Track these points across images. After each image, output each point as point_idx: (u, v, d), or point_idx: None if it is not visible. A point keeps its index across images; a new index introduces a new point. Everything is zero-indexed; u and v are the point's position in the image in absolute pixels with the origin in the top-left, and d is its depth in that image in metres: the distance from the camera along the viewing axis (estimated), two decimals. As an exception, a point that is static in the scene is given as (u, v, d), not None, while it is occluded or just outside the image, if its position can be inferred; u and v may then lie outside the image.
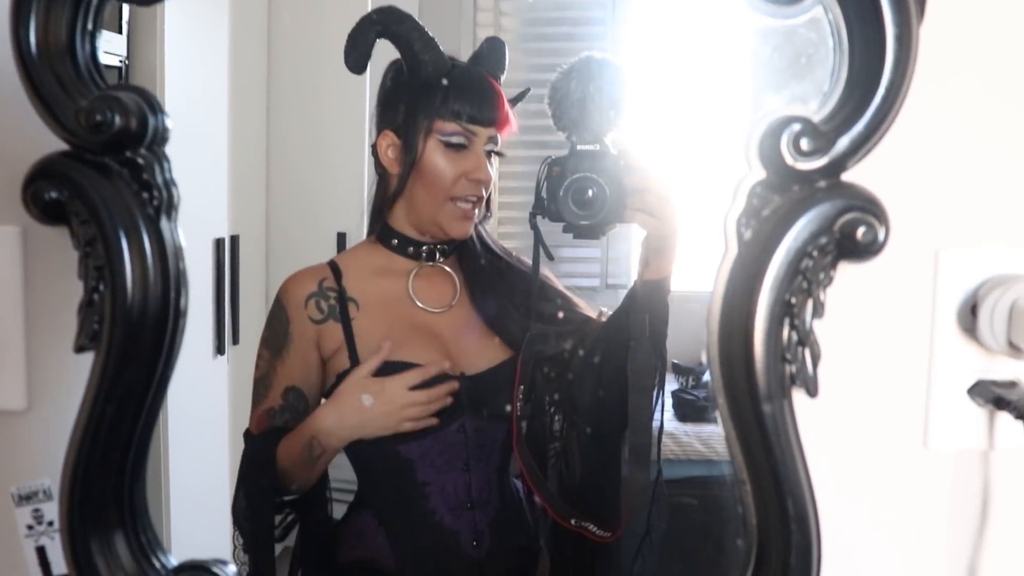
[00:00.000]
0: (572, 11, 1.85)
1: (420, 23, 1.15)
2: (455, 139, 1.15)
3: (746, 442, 0.75)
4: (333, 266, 1.21)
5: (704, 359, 0.77)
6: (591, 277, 1.80)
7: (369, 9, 1.50)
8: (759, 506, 0.76)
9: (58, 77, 0.75)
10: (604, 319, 1.21)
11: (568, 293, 1.25)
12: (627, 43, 1.76)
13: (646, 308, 1.11)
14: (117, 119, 0.74)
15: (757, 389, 0.74)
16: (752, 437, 0.75)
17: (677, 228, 1.08)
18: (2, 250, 0.87)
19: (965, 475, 0.86)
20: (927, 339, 0.84)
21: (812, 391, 0.74)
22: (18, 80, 0.75)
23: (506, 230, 1.46)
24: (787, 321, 0.74)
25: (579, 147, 1.10)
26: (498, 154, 1.19)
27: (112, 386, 0.77)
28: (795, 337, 0.74)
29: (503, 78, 1.21)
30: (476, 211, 1.19)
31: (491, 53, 1.20)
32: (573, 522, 1.16)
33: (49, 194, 0.76)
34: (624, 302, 1.15)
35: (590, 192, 1.08)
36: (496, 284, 1.23)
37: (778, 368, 0.74)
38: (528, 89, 1.17)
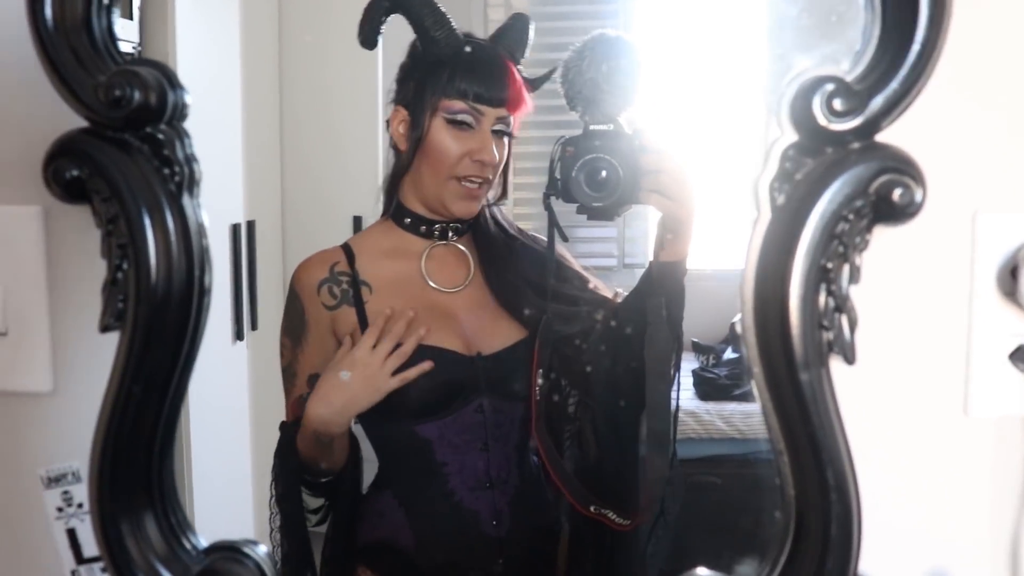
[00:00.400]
0: (584, -12, 1.84)
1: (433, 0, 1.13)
2: (461, 117, 1.14)
3: (783, 411, 0.74)
4: (346, 248, 1.21)
5: (740, 324, 0.76)
6: (608, 257, 1.80)
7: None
8: (797, 477, 0.75)
9: (75, 52, 0.74)
10: (620, 299, 1.20)
11: (584, 273, 1.25)
12: (641, 19, 1.75)
13: (662, 290, 1.10)
14: (136, 94, 0.73)
15: (794, 357, 0.73)
16: (789, 406, 0.74)
17: (693, 209, 1.07)
18: (24, 230, 0.87)
19: (1007, 442, 0.85)
20: (966, 303, 0.83)
21: (850, 358, 0.73)
22: (34, 57, 0.75)
23: (521, 211, 1.45)
24: (823, 287, 0.72)
25: (592, 127, 1.09)
26: (509, 135, 1.18)
27: (138, 365, 0.76)
28: (832, 303, 0.73)
29: (526, 55, 1.19)
30: (482, 191, 1.18)
31: (513, 31, 1.18)
32: (592, 509, 1.16)
33: (70, 172, 0.75)
34: (640, 284, 1.14)
35: (603, 173, 1.07)
36: (511, 263, 1.23)
37: (815, 335, 0.73)
38: (554, 69, 1.14)
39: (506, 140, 1.18)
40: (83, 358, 0.89)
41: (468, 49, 1.15)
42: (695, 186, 1.06)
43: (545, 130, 1.33)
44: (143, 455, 0.78)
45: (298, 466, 1.18)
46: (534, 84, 1.19)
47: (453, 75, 1.13)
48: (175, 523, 0.80)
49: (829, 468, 0.74)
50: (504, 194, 1.24)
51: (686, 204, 1.06)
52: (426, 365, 1.14)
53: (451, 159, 1.15)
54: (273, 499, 1.20)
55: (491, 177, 1.18)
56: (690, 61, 1.53)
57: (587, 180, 1.07)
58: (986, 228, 0.82)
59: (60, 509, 0.89)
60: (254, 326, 1.45)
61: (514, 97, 1.16)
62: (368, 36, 1.13)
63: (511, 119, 1.17)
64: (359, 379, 1.12)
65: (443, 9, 1.14)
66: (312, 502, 1.21)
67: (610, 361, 1.18)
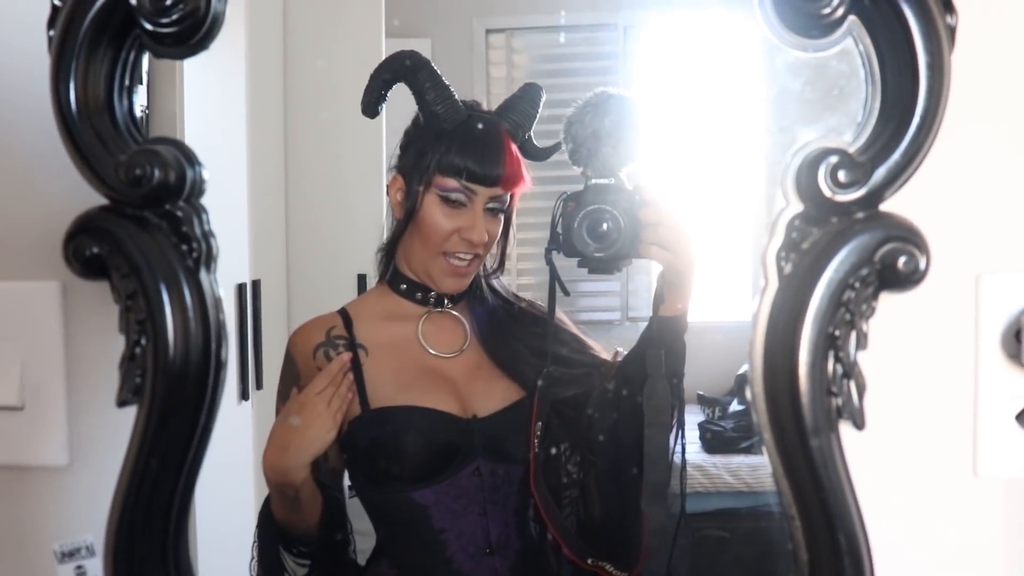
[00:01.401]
0: (584, 47, 1.87)
1: (436, 71, 1.15)
2: (453, 195, 1.14)
3: (794, 477, 0.75)
4: (343, 314, 1.21)
5: (745, 392, 0.77)
6: (611, 311, 1.80)
7: (383, 53, 1.52)
8: (810, 542, 0.75)
9: (98, 133, 0.75)
10: (619, 359, 1.20)
11: (582, 336, 1.24)
12: (640, 77, 1.78)
13: (663, 344, 1.10)
14: (156, 173, 0.74)
15: (804, 423, 0.73)
16: (800, 472, 0.74)
17: (693, 263, 1.07)
18: (43, 305, 0.88)
19: (1018, 502, 0.85)
20: (971, 366, 0.84)
21: (859, 423, 0.74)
22: (55, 136, 0.76)
23: (524, 266, 1.46)
24: (831, 354, 0.73)
25: (594, 181, 1.10)
26: (500, 210, 1.18)
27: (155, 439, 0.77)
28: (840, 370, 0.73)
29: (533, 127, 1.20)
30: (472, 267, 1.18)
31: (522, 102, 1.19)
32: (590, 561, 1.15)
33: (90, 249, 0.76)
34: (640, 339, 1.14)
35: (605, 225, 1.08)
36: (508, 328, 1.23)
37: (824, 401, 0.73)
38: (559, 144, 1.15)
39: (501, 217, 1.19)
40: (99, 432, 0.90)
41: (467, 124, 1.15)
42: (695, 239, 1.07)
43: (546, 185, 1.34)
44: (159, 528, 0.78)
45: (276, 534, 1.17)
46: (543, 154, 1.20)
47: (449, 151, 1.14)
48: (190, 596, 0.80)
49: (841, 532, 0.74)
50: (501, 267, 1.25)
51: (686, 257, 1.07)
52: (345, 356, 1.15)
53: (440, 235, 1.16)
54: (254, 561, 1.19)
55: (481, 253, 1.18)
56: (689, 116, 1.55)
57: (589, 231, 1.08)
58: (989, 290, 0.83)
59: (74, 584, 0.89)
60: (259, 386, 1.45)
61: (509, 176, 1.16)
62: (368, 106, 1.14)
63: (507, 197, 1.18)
64: (310, 423, 1.11)
65: (447, 82, 1.15)
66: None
67: (612, 420, 1.17)
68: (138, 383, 0.77)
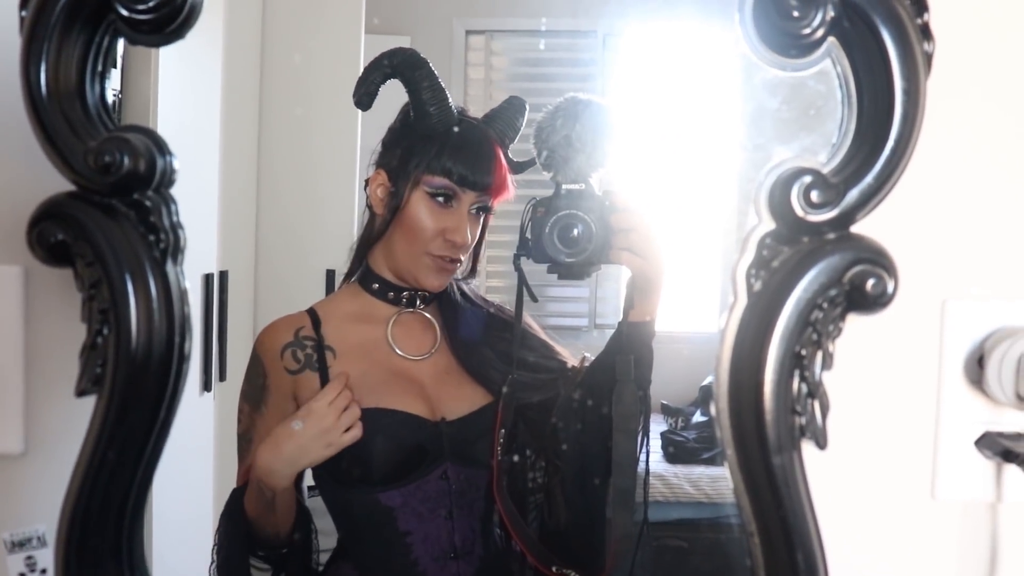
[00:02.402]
0: (563, 52, 1.87)
1: (433, 71, 1.14)
2: (441, 192, 1.14)
3: (755, 494, 0.75)
4: (312, 313, 1.20)
5: (710, 406, 0.77)
6: (579, 317, 1.80)
7: (362, 50, 1.52)
8: (768, 559, 0.75)
9: (67, 118, 0.74)
10: (587, 364, 1.19)
11: (550, 341, 1.24)
12: (617, 84, 1.78)
13: (631, 350, 1.10)
14: (126, 161, 0.73)
15: (767, 441, 0.74)
16: (761, 489, 0.75)
17: (663, 269, 1.07)
18: (3, 290, 0.86)
19: (973, 527, 0.86)
20: (934, 390, 0.85)
21: (822, 443, 0.74)
22: (24, 120, 0.75)
23: (494, 268, 1.45)
24: (797, 373, 0.74)
25: (564, 186, 1.09)
26: (486, 211, 1.18)
27: (114, 431, 0.76)
28: (805, 389, 0.74)
29: (515, 139, 1.20)
30: (454, 266, 1.18)
31: (506, 112, 1.19)
32: (554, 569, 1.14)
33: (55, 236, 0.75)
34: (608, 344, 1.14)
35: (576, 230, 1.07)
36: (477, 331, 1.22)
37: (788, 420, 0.74)
38: (533, 160, 1.14)
39: (482, 219, 1.18)
40: (56, 421, 0.88)
41: (459, 129, 1.15)
42: (665, 245, 1.07)
43: (518, 189, 1.34)
44: (113, 521, 0.77)
45: (244, 531, 1.15)
46: (519, 167, 1.19)
47: (441, 152, 1.14)
48: (142, 593, 0.78)
49: (800, 551, 0.74)
50: (473, 271, 1.24)
51: (655, 263, 1.07)
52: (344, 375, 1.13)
53: (426, 234, 1.15)
54: (214, 565, 1.17)
55: (462, 256, 1.18)
56: (664, 125, 1.55)
57: (560, 236, 1.07)
58: (954, 316, 0.84)
59: (22, 574, 0.87)
60: (222, 377, 1.43)
61: (498, 184, 1.16)
62: (363, 99, 1.12)
63: (489, 202, 1.18)
64: (312, 431, 1.10)
65: (442, 83, 1.14)
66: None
67: (579, 425, 1.16)
68: (98, 373, 0.75)
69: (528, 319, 1.22)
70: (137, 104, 1.30)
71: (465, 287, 1.25)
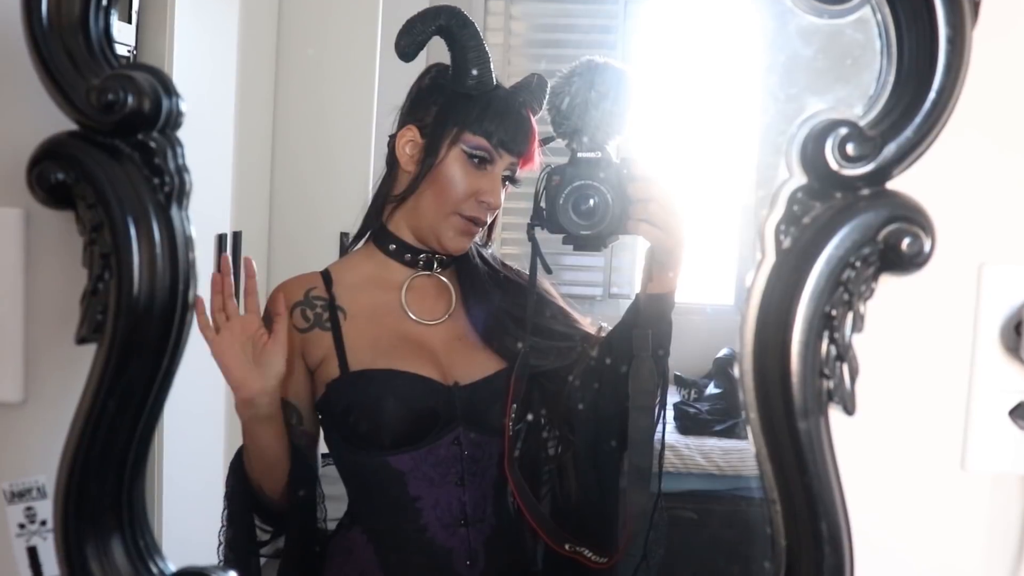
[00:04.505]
0: (583, 17, 1.85)
1: (480, 34, 1.12)
2: (479, 153, 1.13)
3: (779, 460, 0.72)
4: (325, 274, 1.19)
5: (737, 367, 0.74)
6: (594, 286, 1.79)
7: (380, 12, 1.49)
8: (790, 527, 0.73)
9: (70, 53, 0.71)
10: (603, 334, 1.18)
11: (568, 308, 1.22)
12: (638, 49, 1.75)
13: (649, 323, 1.08)
14: (130, 99, 0.71)
15: (793, 404, 0.71)
16: (785, 454, 0.72)
17: (682, 240, 1.05)
18: (3, 233, 0.84)
19: (1004, 500, 0.84)
20: (968, 357, 0.82)
21: (850, 408, 0.71)
22: (26, 55, 0.72)
23: (508, 235, 1.44)
24: (826, 334, 0.71)
25: (580, 154, 1.06)
26: (512, 181, 1.17)
27: (114, 380, 0.74)
28: (834, 351, 0.71)
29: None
30: (478, 229, 1.17)
31: (532, 87, 1.17)
32: (567, 547, 1.12)
33: (55, 176, 0.72)
34: (626, 316, 1.12)
35: (591, 201, 1.04)
36: (493, 297, 1.20)
37: (815, 383, 0.71)
38: (552, 138, 1.14)
39: (508, 186, 1.17)
40: (57, 369, 0.86)
41: (498, 93, 1.14)
42: (685, 216, 1.04)
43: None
44: (114, 473, 0.75)
45: (244, 487, 1.15)
46: (542, 142, 1.18)
47: (483, 114, 1.12)
48: (143, 546, 0.76)
49: (823, 519, 0.72)
50: (489, 239, 1.23)
51: (675, 234, 1.04)
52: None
53: (459, 194, 1.14)
54: (224, 522, 1.17)
55: (488, 219, 1.17)
56: (685, 93, 1.52)
57: (575, 208, 1.05)
58: (992, 281, 0.81)
59: (22, 526, 0.86)
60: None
61: (530, 153, 1.16)
62: (408, 49, 1.10)
63: (518, 170, 1.16)
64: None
65: (485, 45, 1.13)
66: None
67: (593, 397, 1.15)
68: (99, 320, 0.73)
69: (547, 286, 1.21)
70: (152, 60, 1.28)
71: (486, 252, 1.23)
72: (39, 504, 0.85)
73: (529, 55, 1.74)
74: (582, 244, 1.06)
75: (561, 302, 1.22)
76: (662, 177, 1.05)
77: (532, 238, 1.11)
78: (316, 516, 1.19)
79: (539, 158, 1.17)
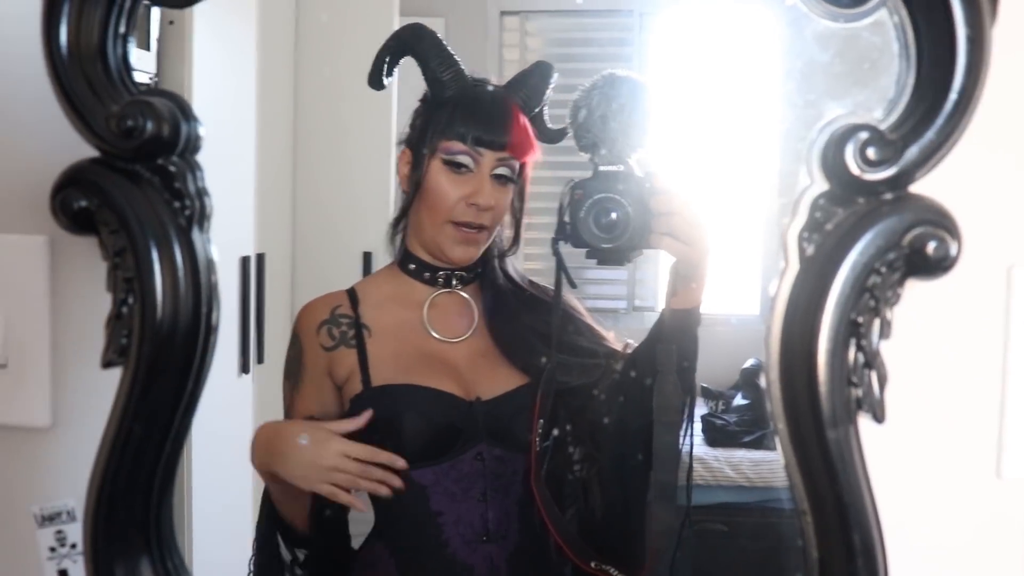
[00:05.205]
0: (599, 31, 1.85)
1: (441, 41, 1.13)
2: (459, 159, 1.12)
3: (808, 470, 0.71)
4: (351, 293, 1.20)
5: (764, 378, 0.73)
6: (617, 299, 1.79)
7: (395, 27, 1.50)
8: (822, 539, 0.72)
9: (89, 80, 0.72)
10: (630, 351, 1.16)
11: (595, 325, 1.21)
12: (654, 61, 1.75)
13: (674, 338, 1.06)
14: (149, 125, 0.72)
15: (821, 414, 0.70)
16: (815, 465, 0.71)
17: (706, 253, 1.03)
18: (29, 260, 0.85)
19: (1042, 507, 0.82)
20: (1000, 361, 0.80)
21: (879, 416, 0.70)
22: (48, 84, 0.73)
23: (531, 251, 1.43)
24: (853, 342, 0.70)
25: (602, 168, 1.05)
26: (512, 180, 1.16)
27: (140, 403, 0.74)
28: (861, 359, 0.70)
29: (543, 103, 1.18)
30: (481, 236, 1.16)
31: (531, 77, 1.17)
32: (593, 565, 1.11)
33: (78, 202, 0.73)
34: (651, 332, 1.10)
35: (613, 214, 1.03)
36: (518, 314, 1.20)
37: (843, 392, 0.70)
38: (567, 128, 1.12)
39: (511, 187, 1.16)
40: (84, 393, 0.87)
41: (473, 91, 1.14)
42: (708, 229, 1.03)
43: (555, 171, 1.31)
44: (141, 496, 0.76)
45: (271, 512, 1.16)
46: (557, 135, 1.18)
47: (453, 116, 1.13)
48: (171, 568, 0.77)
49: (856, 531, 0.71)
50: (516, 242, 1.22)
51: (699, 248, 1.02)
52: (359, 505, 1.10)
53: (447, 202, 1.13)
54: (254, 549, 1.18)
55: (488, 224, 1.15)
56: (704, 104, 1.52)
57: (596, 221, 1.03)
58: (1022, 283, 0.80)
59: (53, 549, 0.86)
60: (260, 360, 1.43)
61: (516, 142, 1.14)
62: (373, 77, 1.13)
63: (515, 164, 1.15)
64: (308, 456, 1.08)
65: (451, 51, 1.14)
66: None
67: (619, 412, 1.13)
68: (124, 344, 0.74)
69: (574, 302, 1.20)
70: (172, 87, 1.29)
71: (509, 266, 1.23)
72: (69, 527, 0.86)
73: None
74: (605, 258, 1.05)
75: (587, 318, 1.21)
76: (684, 190, 1.04)
77: (557, 253, 1.09)
78: (345, 533, 1.20)
79: (536, 146, 1.16)
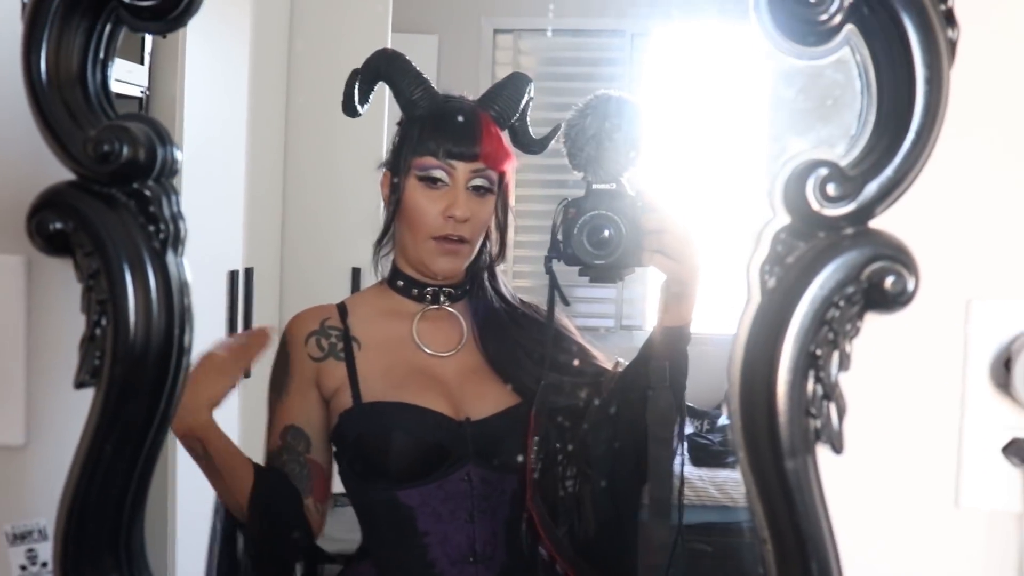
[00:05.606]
0: (591, 51, 1.87)
1: (410, 62, 1.15)
2: (433, 173, 1.14)
3: (768, 499, 0.72)
4: (340, 307, 1.21)
5: (727, 408, 0.74)
6: (606, 318, 1.79)
7: (388, 43, 1.51)
8: (781, 567, 0.72)
9: (67, 106, 0.73)
10: (620, 369, 1.17)
11: (584, 343, 1.22)
12: (645, 83, 1.76)
13: (665, 356, 1.07)
14: (125, 149, 0.72)
15: (780, 444, 0.71)
16: (774, 494, 0.72)
17: (697, 271, 1.04)
18: (6, 280, 0.86)
19: (1000, 538, 0.83)
20: (958, 394, 0.82)
21: (838, 447, 0.71)
22: (26, 108, 0.74)
23: (521, 268, 1.44)
24: (812, 373, 0.71)
25: (595, 186, 1.07)
26: (490, 191, 1.17)
27: (111, 423, 0.75)
28: (820, 390, 0.71)
29: (518, 112, 1.19)
30: (463, 248, 1.17)
31: (505, 88, 1.19)
32: None
33: (54, 225, 0.74)
34: (642, 350, 1.11)
35: (606, 232, 1.05)
36: (507, 331, 1.21)
37: (802, 422, 0.71)
38: (557, 128, 1.14)
39: (490, 198, 1.17)
40: (59, 412, 0.88)
41: (442, 107, 1.16)
42: (699, 247, 1.04)
43: (547, 188, 1.32)
44: (112, 516, 0.76)
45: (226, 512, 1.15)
46: (540, 144, 1.19)
47: (423, 133, 1.14)
48: (140, 587, 0.77)
49: (814, 559, 0.71)
50: (502, 254, 1.23)
51: (689, 265, 1.04)
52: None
53: (426, 218, 1.15)
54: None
55: (468, 236, 1.16)
56: (694, 124, 1.53)
57: (589, 238, 1.05)
58: (980, 316, 0.81)
59: (23, 567, 0.87)
60: (247, 374, 1.44)
61: (488, 152, 1.15)
62: (346, 104, 1.16)
63: (492, 175, 1.16)
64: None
65: (422, 72, 1.16)
66: None
67: (611, 431, 1.14)
68: (96, 365, 0.75)
69: (565, 321, 1.21)
70: (164, 101, 1.31)
71: (499, 282, 1.23)
72: (40, 546, 0.86)
73: (537, 88, 1.76)
74: (598, 276, 1.07)
75: (578, 337, 1.22)
76: (676, 208, 1.05)
77: (550, 271, 1.11)
78: (310, 548, 1.19)
79: (512, 155, 1.17)
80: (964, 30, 0.69)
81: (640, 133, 1.09)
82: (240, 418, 1.41)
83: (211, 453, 1.10)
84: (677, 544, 1.11)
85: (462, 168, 1.14)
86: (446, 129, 1.14)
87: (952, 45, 0.69)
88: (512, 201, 1.21)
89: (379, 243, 1.22)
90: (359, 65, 1.17)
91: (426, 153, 1.14)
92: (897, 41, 0.69)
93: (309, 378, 1.17)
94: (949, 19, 0.69)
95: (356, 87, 1.15)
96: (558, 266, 1.10)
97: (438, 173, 1.14)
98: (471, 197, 1.15)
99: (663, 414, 1.07)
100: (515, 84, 1.19)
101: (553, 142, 1.17)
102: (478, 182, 1.15)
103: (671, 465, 1.08)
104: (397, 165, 1.16)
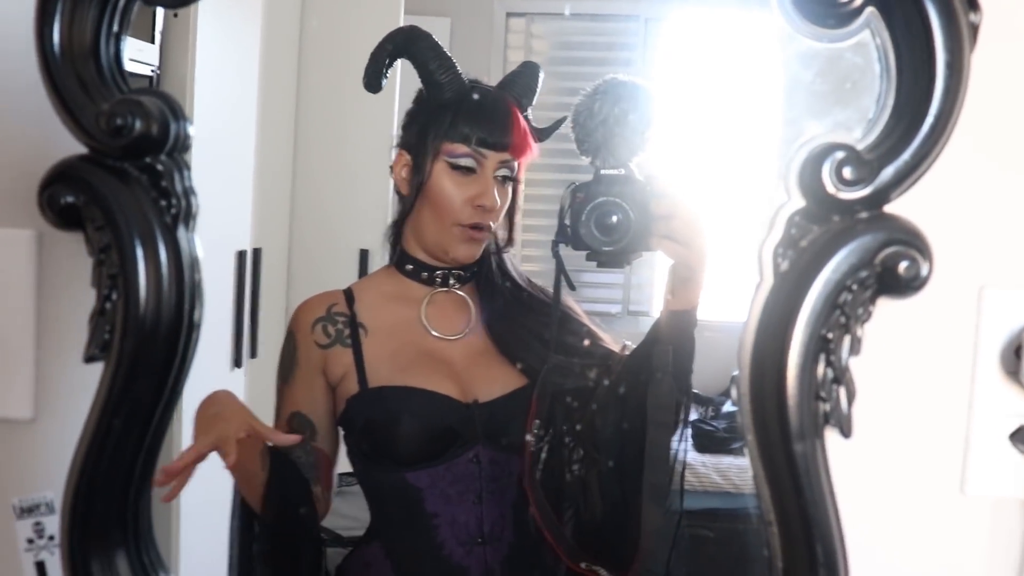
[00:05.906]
0: (603, 35, 1.85)
1: (438, 43, 1.14)
2: (463, 161, 1.13)
3: (775, 482, 0.72)
4: (347, 292, 1.20)
5: (733, 393, 0.74)
6: (613, 303, 1.79)
7: (401, 25, 1.51)
8: (786, 550, 0.73)
9: (80, 79, 0.73)
10: (627, 352, 1.17)
11: (592, 326, 1.22)
12: (658, 67, 1.75)
13: (671, 340, 1.07)
14: (138, 123, 0.72)
15: (789, 427, 0.71)
16: (782, 477, 0.72)
17: (705, 257, 1.04)
18: (16, 254, 0.86)
19: (1004, 524, 0.83)
20: (968, 381, 0.81)
21: (846, 431, 0.71)
22: (39, 80, 0.74)
23: (529, 253, 1.44)
24: (822, 357, 0.71)
25: (603, 171, 1.06)
26: (513, 180, 1.17)
27: (120, 399, 0.75)
28: (830, 374, 0.71)
29: (533, 102, 1.19)
30: (484, 235, 1.17)
31: (522, 77, 1.18)
32: (583, 565, 1.12)
33: (65, 198, 0.74)
34: (649, 334, 1.11)
35: (614, 217, 1.04)
36: (515, 313, 1.20)
37: (811, 406, 0.71)
38: (563, 119, 1.13)
39: (509, 186, 1.17)
40: (67, 386, 0.88)
41: (473, 94, 1.15)
42: (707, 232, 1.03)
43: (556, 173, 1.32)
44: (119, 490, 0.77)
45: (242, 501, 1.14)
46: (544, 133, 1.18)
47: (456, 119, 1.13)
48: (148, 562, 0.78)
49: (819, 543, 0.72)
50: (511, 239, 1.23)
51: (698, 250, 1.03)
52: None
53: (454, 205, 1.14)
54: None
55: (492, 223, 1.16)
56: (706, 110, 1.52)
57: (598, 224, 1.04)
58: (992, 304, 0.81)
59: (31, 541, 0.87)
60: (253, 354, 1.44)
61: (518, 143, 1.15)
62: (370, 80, 1.13)
63: (515, 164, 1.16)
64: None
65: (448, 53, 1.14)
66: None
67: (617, 415, 1.13)
68: (106, 339, 0.75)
69: (572, 303, 1.20)
70: (175, 80, 1.31)
71: (507, 263, 1.23)
72: (47, 519, 0.87)
73: (550, 73, 1.75)
74: (605, 261, 1.06)
75: (585, 320, 1.22)
76: (685, 194, 1.04)
77: (557, 255, 1.11)
78: (310, 531, 1.18)
79: (535, 147, 1.17)
80: (986, 14, 0.68)
81: (651, 118, 1.08)
82: (247, 400, 1.41)
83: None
84: (678, 529, 1.11)
85: (492, 157, 1.14)
86: (482, 118, 1.13)
87: (974, 29, 0.68)
88: (522, 188, 1.21)
89: (397, 224, 1.21)
90: (370, 46, 1.16)
91: (458, 140, 1.13)
92: (918, 24, 0.68)
93: (316, 365, 1.17)
94: (972, 3, 0.68)
95: (382, 62, 1.13)
96: (565, 250, 1.10)
97: (468, 161, 1.13)
98: (499, 186, 1.15)
99: (665, 399, 1.06)
100: (531, 72, 1.18)
101: (564, 127, 1.16)
102: (504, 172, 1.15)
103: (668, 450, 1.08)
104: (421, 148, 1.15)
